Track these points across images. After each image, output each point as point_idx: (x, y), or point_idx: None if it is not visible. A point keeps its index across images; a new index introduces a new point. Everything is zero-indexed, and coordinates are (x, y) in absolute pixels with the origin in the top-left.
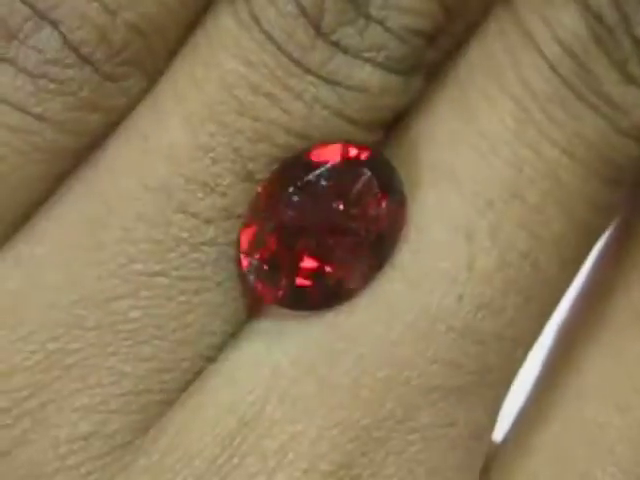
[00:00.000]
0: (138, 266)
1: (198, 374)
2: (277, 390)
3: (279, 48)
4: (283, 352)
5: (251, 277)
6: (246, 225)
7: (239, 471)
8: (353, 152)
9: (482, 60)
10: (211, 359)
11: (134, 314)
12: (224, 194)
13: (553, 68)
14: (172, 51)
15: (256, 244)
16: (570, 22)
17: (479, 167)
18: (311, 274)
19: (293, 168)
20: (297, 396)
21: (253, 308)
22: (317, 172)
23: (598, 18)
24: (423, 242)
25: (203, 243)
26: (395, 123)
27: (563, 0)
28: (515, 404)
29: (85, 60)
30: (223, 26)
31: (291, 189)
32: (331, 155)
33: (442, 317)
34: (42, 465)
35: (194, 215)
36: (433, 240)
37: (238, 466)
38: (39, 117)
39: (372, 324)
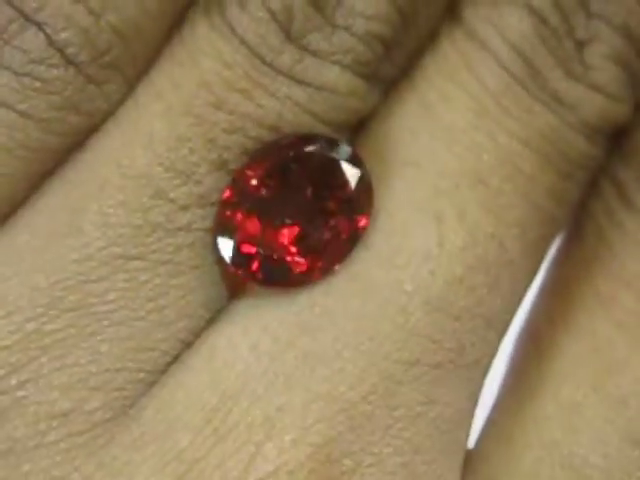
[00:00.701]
0: (116, 249)
1: (177, 357)
2: (258, 366)
3: (252, 51)
4: (262, 330)
5: (227, 259)
6: (221, 210)
7: (225, 443)
8: (319, 140)
9: (436, 65)
10: (189, 343)
11: (111, 296)
12: (200, 182)
13: (505, 67)
14: (151, 58)
15: (232, 228)
16: (517, 24)
17: (442, 155)
18: (287, 253)
19: (265, 156)
20: (278, 371)
21: (233, 293)
22: (290, 160)
23: (542, 20)
24: (394, 224)
25: (179, 228)
26: (358, 130)
27: (509, 4)
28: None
29: (69, 61)
30: (198, 33)
31: (265, 174)
32: (302, 144)
33: (417, 291)
34: (22, 441)
35: (171, 201)
36: (403, 222)
37: (224, 438)
38: (24, 114)
39: (349, 300)
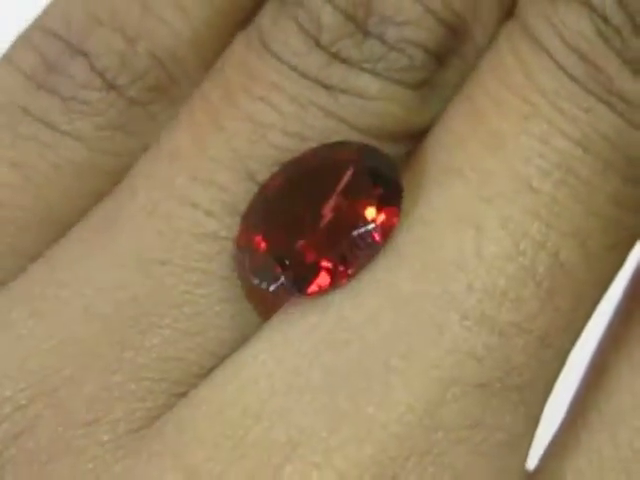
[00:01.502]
0: (144, 254)
1: (206, 369)
2: (282, 381)
3: (275, 56)
4: (288, 344)
5: (250, 271)
6: (244, 221)
7: (243, 463)
8: (344, 147)
9: (490, 66)
10: (219, 355)
11: (139, 301)
12: (224, 189)
13: (561, 67)
14: (195, 80)
15: (254, 240)
16: (575, 23)
17: (486, 161)
18: (310, 263)
19: (289, 166)
20: (303, 387)
21: (261, 309)
22: (314, 169)
23: (604, 19)
24: (429, 234)
25: (205, 235)
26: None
27: (567, 2)
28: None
29: (110, 84)
30: (232, 49)
31: (288, 187)
32: (324, 152)
33: (453, 306)
34: (49, 448)
35: (194, 206)
36: (439, 232)
37: (241, 458)
38: (70, 134)
39: (379, 314)
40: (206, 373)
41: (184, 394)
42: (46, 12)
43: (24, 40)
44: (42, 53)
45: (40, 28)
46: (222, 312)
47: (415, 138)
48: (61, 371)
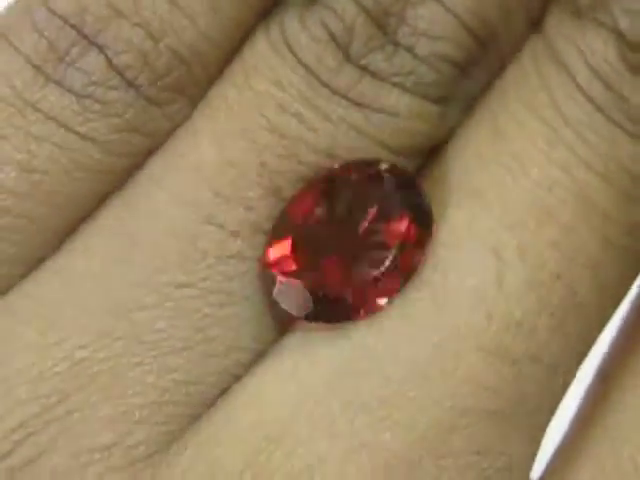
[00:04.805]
0: (165, 277)
1: (225, 390)
2: (304, 409)
3: (308, 71)
4: (310, 370)
5: (276, 291)
6: (272, 240)
7: None
8: (379, 169)
9: (514, 85)
10: (239, 376)
11: (160, 325)
12: (251, 208)
13: (584, 93)
14: (214, 78)
15: (281, 259)
16: (602, 49)
17: (509, 187)
18: (335, 288)
19: (319, 184)
20: (323, 415)
21: (281, 326)
22: (343, 189)
23: (631, 46)
24: (451, 260)
25: (230, 256)
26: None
27: (595, 27)
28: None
29: (129, 83)
30: (256, 50)
31: (317, 205)
32: (357, 172)
33: (471, 335)
34: (63, 474)
35: (220, 227)
36: (461, 258)
37: None
38: (84, 136)
39: (399, 343)
40: (225, 395)
41: (203, 415)
42: None
43: (23, 16)
44: (49, 39)
45: (44, 5)
46: (245, 333)
47: (429, 151)
48: (76, 393)
